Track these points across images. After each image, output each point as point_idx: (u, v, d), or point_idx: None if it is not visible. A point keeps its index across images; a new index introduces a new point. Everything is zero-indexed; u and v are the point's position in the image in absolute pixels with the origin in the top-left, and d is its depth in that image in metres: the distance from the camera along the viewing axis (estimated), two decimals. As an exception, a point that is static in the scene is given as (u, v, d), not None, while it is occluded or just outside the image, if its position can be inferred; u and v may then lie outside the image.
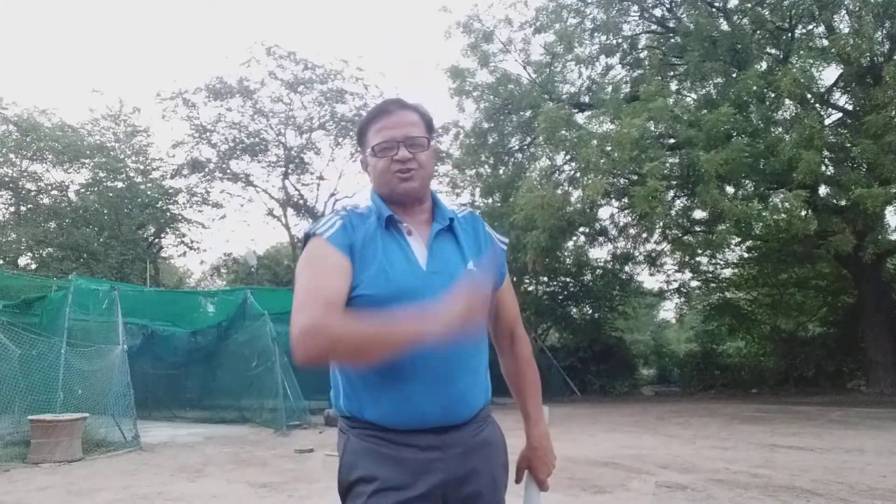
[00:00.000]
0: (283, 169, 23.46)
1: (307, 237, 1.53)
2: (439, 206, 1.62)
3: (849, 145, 12.87)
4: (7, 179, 21.55)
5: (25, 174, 22.05)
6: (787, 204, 12.11)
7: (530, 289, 22.18)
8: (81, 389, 8.87)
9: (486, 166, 17.95)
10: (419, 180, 1.54)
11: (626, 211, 17.19)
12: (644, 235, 17.41)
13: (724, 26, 14.59)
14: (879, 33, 13.00)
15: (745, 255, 19.68)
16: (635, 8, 16.61)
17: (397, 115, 1.55)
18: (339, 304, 1.38)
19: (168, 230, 24.42)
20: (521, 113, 16.81)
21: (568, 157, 15.82)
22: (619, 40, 16.95)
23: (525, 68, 17.33)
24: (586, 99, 16.81)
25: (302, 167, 23.71)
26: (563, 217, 13.77)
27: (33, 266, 21.14)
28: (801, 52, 13.11)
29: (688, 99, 15.89)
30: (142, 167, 23.27)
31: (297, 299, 1.37)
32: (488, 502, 1.51)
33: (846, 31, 13.47)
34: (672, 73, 16.43)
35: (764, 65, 14.04)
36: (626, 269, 21.16)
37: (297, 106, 22.87)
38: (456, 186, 21.24)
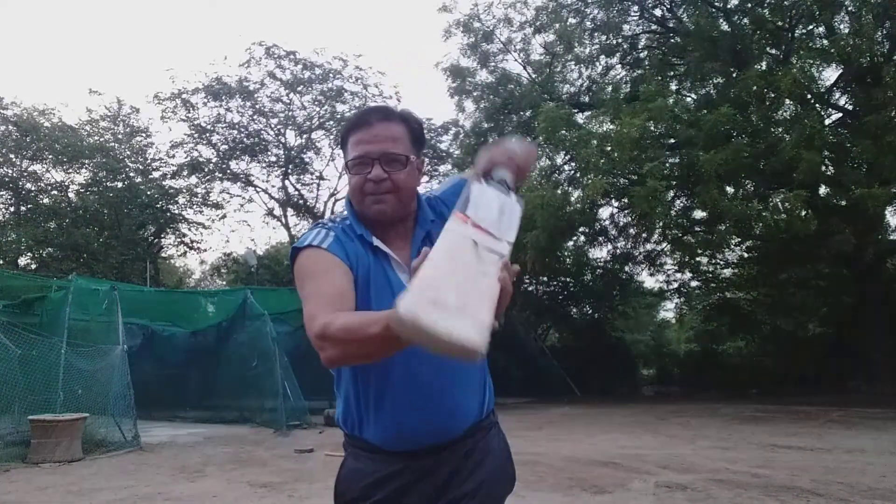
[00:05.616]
0: (283, 169, 23.45)
1: (297, 251, 1.42)
2: (422, 210, 1.49)
3: (849, 145, 12.87)
4: (7, 179, 21.54)
5: (25, 174, 22.04)
6: (787, 204, 12.12)
7: (530, 289, 22.19)
8: (81, 389, 8.85)
9: (486, 166, 17.93)
10: (392, 203, 1.41)
11: (626, 211, 17.19)
12: (644, 235, 17.40)
13: (725, 26, 14.58)
14: (879, 33, 12.99)
15: (745, 255, 19.68)
16: (635, 8, 16.60)
17: (377, 127, 1.41)
18: (348, 300, 1.31)
19: (168, 230, 24.41)
20: (521, 113, 16.82)
21: (568, 157, 15.82)
22: (619, 40, 16.95)
23: (525, 68, 17.34)
24: (586, 99, 16.82)
25: (302, 167, 23.70)
26: (563, 217, 13.77)
27: (33, 266, 21.12)
28: (801, 52, 13.11)
29: (688, 99, 15.90)
30: (142, 167, 23.26)
31: (306, 310, 1.30)
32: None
33: (846, 31, 13.47)
34: (672, 73, 16.43)
35: (764, 65, 14.03)
36: (626, 269, 21.15)
37: (296, 106, 22.87)
38: (456, 186, 21.26)
